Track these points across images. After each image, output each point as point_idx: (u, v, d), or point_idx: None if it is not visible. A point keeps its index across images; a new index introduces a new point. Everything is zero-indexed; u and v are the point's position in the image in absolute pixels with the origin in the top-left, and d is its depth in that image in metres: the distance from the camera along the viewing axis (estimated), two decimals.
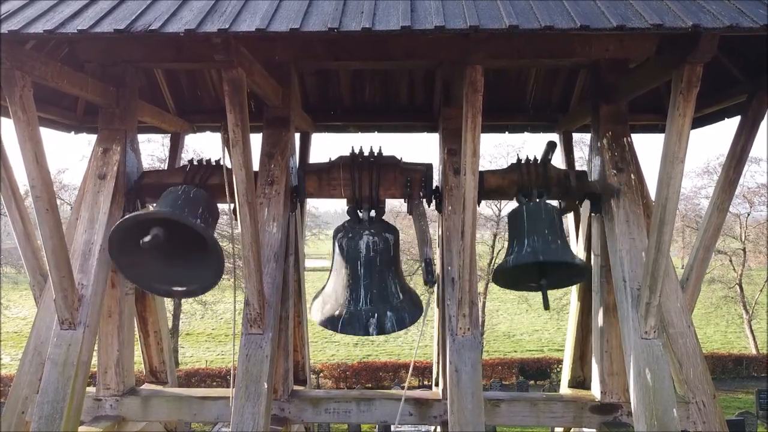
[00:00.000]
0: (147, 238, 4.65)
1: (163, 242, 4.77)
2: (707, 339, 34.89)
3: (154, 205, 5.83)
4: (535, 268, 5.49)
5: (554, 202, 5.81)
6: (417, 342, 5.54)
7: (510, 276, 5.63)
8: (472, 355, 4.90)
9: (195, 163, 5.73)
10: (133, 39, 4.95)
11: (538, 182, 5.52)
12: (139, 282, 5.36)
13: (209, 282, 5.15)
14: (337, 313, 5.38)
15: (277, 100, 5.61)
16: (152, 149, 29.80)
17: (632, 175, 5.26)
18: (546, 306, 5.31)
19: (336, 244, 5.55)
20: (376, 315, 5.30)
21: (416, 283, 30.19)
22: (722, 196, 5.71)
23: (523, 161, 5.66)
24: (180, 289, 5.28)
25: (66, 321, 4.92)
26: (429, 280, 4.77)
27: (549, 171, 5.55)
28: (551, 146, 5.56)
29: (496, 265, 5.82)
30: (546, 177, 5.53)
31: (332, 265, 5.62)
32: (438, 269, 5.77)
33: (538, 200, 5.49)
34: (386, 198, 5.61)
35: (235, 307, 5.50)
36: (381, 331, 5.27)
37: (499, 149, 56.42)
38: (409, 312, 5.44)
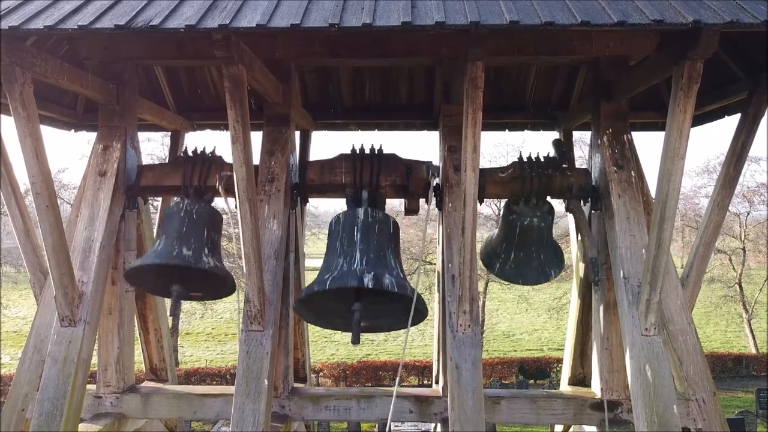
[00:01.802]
0: (174, 292, 5.11)
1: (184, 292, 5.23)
2: (707, 338, 34.90)
3: (154, 205, 5.76)
4: None
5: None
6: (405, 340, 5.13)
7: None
8: (472, 352, 4.90)
9: (190, 154, 5.72)
10: (133, 35, 4.98)
11: (540, 190, 5.54)
12: (159, 294, 5.82)
13: (226, 292, 5.54)
14: (326, 276, 4.71)
15: (277, 98, 5.61)
16: (152, 148, 29.77)
17: (632, 172, 5.26)
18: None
19: (332, 225, 5.26)
20: (372, 272, 4.59)
21: (416, 284, 30.19)
22: (722, 193, 5.71)
23: (525, 159, 5.65)
24: (197, 294, 5.67)
25: (66, 318, 4.92)
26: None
27: (554, 180, 5.56)
28: (560, 148, 5.59)
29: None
30: (549, 186, 5.55)
31: (326, 248, 5.19)
32: (438, 266, 5.78)
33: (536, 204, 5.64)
34: (387, 185, 5.57)
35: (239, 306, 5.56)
36: (378, 282, 4.50)
37: (499, 148, 56.44)
38: (410, 289, 4.73)
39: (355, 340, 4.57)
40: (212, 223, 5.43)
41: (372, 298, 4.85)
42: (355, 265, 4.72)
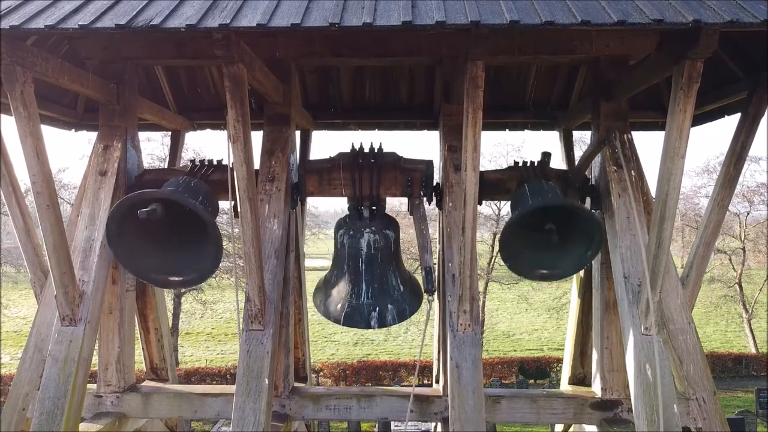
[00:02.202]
0: (145, 209, 4.54)
1: (160, 220, 4.68)
2: (707, 338, 34.88)
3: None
4: (544, 238, 4.94)
5: None
6: (422, 340, 5.54)
7: (517, 238, 5.14)
8: (472, 351, 4.90)
9: (197, 163, 5.74)
10: (134, 35, 4.98)
11: (537, 180, 5.52)
12: (136, 272, 5.35)
13: (207, 270, 5.13)
14: (339, 306, 5.53)
15: (277, 97, 5.61)
16: (152, 148, 29.71)
17: (632, 172, 5.26)
18: (555, 238, 4.78)
19: (338, 240, 5.61)
20: (377, 309, 5.47)
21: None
22: (722, 192, 5.72)
23: (520, 164, 5.70)
24: (177, 279, 5.29)
25: (67, 317, 4.92)
26: (429, 289, 4.92)
27: (547, 172, 5.57)
28: (546, 156, 5.61)
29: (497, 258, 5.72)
30: (545, 176, 5.54)
31: (334, 258, 5.75)
32: (439, 265, 5.78)
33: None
34: (387, 197, 5.63)
35: (238, 305, 5.49)
36: (382, 324, 5.44)
37: (499, 148, 56.53)
38: (409, 303, 5.61)
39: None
40: (208, 196, 5.24)
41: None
42: (363, 299, 5.52)
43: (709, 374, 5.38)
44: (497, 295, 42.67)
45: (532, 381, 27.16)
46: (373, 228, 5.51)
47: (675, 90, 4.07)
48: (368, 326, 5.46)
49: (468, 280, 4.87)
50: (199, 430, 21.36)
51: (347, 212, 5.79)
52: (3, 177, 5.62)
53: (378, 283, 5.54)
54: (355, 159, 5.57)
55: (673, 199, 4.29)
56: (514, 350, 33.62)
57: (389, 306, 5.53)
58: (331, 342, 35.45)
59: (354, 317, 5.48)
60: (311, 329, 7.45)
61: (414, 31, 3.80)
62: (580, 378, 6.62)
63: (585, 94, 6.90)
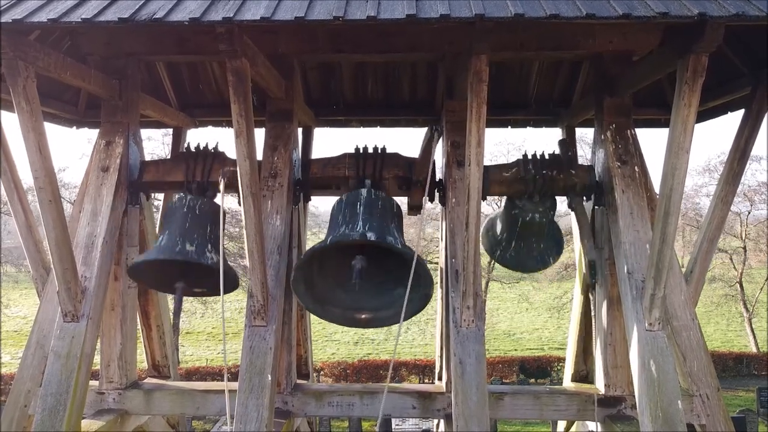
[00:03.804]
0: (178, 289, 5.31)
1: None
2: (708, 337, 34.34)
3: (155, 204, 5.69)
4: None
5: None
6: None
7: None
8: (476, 347, 4.88)
9: (192, 150, 5.72)
10: (136, 30, 4.97)
11: (543, 189, 5.56)
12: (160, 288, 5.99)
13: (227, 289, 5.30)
14: (327, 240, 4.93)
15: (280, 93, 5.60)
16: (152, 147, 29.73)
17: (636, 168, 5.24)
18: None
19: (334, 207, 5.37)
20: (374, 232, 4.76)
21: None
22: (726, 188, 5.71)
23: (530, 157, 5.70)
24: (200, 290, 5.75)
25: (69, 313, 4.90)
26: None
27: (557, 181, 5.57)
28: (566, 146, 5.64)
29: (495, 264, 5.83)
30: (552, 186, 5.57)
31: (328, 228, 5.31)
32: (441, 262, 5.77)
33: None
34: (390, 177, 5.60)
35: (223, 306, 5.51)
36: (380, 237, 4.69)
37: (500, 147, 56.41)
38: (411, 252, 4.87)
39: (357, 277, 4.73)
40: (215, 218, 5.40)
41: (374, 271, 4.94)
42: (358, 228, 4.85)
43: (713, 371, 5.36)
44: (498, 295, 42.65)
45: (532, 380, 27.14)
46: (376, 185, 5.42)
47: (679, 84, 4.05)
48: (363, 237, 4.67)
49: (471, 275, 4.86)
50: (200, 430, 21.34)
51: None
52: (4, 173, 5.61)
53: (377, 223, 4.86)
54: (359, 150, 5.71)
55: (678, 194, 4.27)
56: (515, 349, 33.61)
57: (389, 237, 4.79)
58: (331, 341, 35.43)
59: (344, 235, 4.79)
60: (312, 328, 7.43)
61: (418, 25, 3.80)
62: (583, 375, 6.60)
63: (588, 91, 6.87)
